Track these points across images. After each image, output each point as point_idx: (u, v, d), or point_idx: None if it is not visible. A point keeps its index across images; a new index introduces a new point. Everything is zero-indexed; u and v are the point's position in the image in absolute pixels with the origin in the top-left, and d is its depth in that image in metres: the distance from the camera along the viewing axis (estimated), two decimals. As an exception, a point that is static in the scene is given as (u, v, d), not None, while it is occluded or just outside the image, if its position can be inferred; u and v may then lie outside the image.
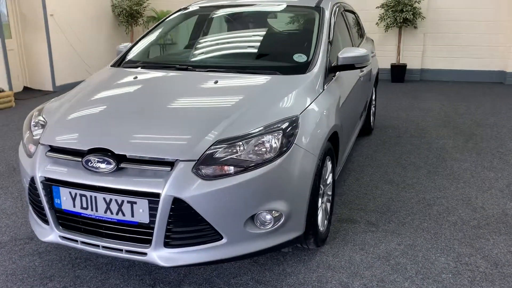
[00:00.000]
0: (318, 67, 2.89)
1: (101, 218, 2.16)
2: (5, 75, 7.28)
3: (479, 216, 3.17)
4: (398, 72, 9.10)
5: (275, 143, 2.20)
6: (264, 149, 2.18)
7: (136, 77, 2.86)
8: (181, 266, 2.13)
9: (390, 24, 8.69)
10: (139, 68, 3.07)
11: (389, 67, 9.19)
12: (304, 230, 2.40)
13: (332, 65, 3.06)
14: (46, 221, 2.33)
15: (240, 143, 2.16)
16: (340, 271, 2.51)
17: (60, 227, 2.31)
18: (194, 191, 2.04)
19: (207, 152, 2.11)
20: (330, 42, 3.17)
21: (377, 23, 8.99)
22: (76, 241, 2.26)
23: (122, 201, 2.09)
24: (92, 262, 2.59)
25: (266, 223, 2.22)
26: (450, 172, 4.02)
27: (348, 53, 3.05)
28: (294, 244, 2.44)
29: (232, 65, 3.00)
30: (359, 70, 3.74)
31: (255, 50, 3.35)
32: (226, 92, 2.60)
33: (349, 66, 3.09)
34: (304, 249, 2.71)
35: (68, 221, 2.28)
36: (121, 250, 2.17)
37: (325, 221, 2.82)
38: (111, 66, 3.24)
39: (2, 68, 7.24)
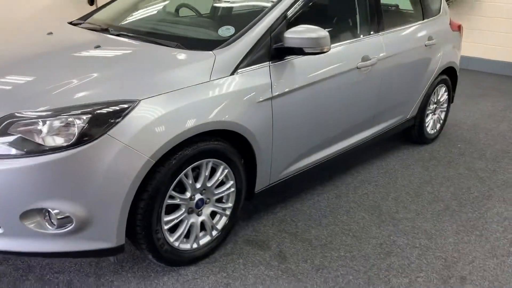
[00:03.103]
0: (238, 46, 2.26)
1: None
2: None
3: (441, 289, 2.20)
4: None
5: (74, 128, 1.77)
6: (60, 135, 1.78)
7: (50, 33, 2.64)
8: (-43, 245, 1.91)
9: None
10: (78, 26, 2.84)
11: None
12: (118, 243, 1.93)
13: (273, 47, 2.37)
14: None
15: (39, 121, 1.79)
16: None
17: None
18: (-39, 167, 1.76)
19: (-8, 126, 1.80)
20: (286, 17, 2.45)
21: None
22: None
23: None
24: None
25: (48, 223, 1.84)
26: (475, 216, 2.90)
27: (295, 33, 2.32)
28: (108, 255, 2.01)
29: (143, 31, 2.56)
30: (359, 59, 2.88)
31: (190, 18, 2.81)
32: (88, 60, 2.20)
33: (298, 50, 2.36)
34: (159, 264, 2.22)
35: None
36: None
37: (207, 237, 2.28)
38: (68, 22, 3.07)
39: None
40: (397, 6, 3.87)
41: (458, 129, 4.64)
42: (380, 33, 3.12)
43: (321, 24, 2.52)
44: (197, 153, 2.05)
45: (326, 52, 2.38)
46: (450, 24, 4.04)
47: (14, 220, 1.81)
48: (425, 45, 3.57)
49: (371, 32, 3.06)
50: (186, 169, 2.05)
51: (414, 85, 3.58)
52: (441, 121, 4.24)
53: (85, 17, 3.04)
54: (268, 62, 2.35)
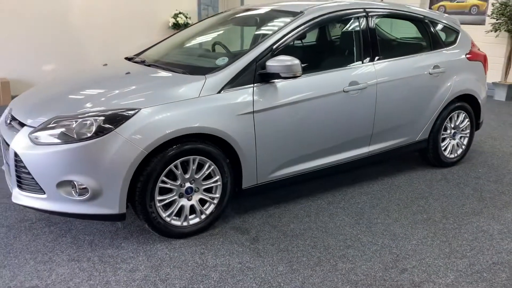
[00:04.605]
0: (225, 72, 2.95)
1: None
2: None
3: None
4: None
5: (92, 126, 2.59)
6: (84, 130, 2.60)
7: (105, 64, 3.59)
8: (20, 205, 2.80)
9: None
10: (130, 61, 3.75)
11: None
12: (120, 211, 2.67)
13: (258, 72, 3.02)
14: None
15: (73, 121, 2.65)
16: (121, 262, 2.67)
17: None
18: (24, 149, 2.66)
19: (44, 123, 2.69)
20: (273, 49, 3.10)
21: None
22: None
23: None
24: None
25: (74, 191, 2.64)
26: (452, 227, 3.16)
27: (274, 61, 2.96)
28: (114, 220, 2.76)
29: (167, 62, 3.37)
30: (347, 84, 3.39)
31: (203, 51, 3.56)
32: (118, 81, 3.05)
33: (276, 75, 3.00)
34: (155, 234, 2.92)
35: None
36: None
37: (196, 219, 2.94)
38: (124, 57, 4.00)
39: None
40: (403, 38, 4.27)
41: (490, 155, 4.74)
42: (373, 62, 3.58)
43: (310, 55, 3.12)
44: (184, 150, 2.75)
45: (299, 76, 2.97)
46: (469, 54, 4.30)
47: (53, 188, 2.65)
48: (430, 73, 3.91)
49: (363, 61, 3.54)
50: (175, 162, 2.75)
51: (419, 109, 3.91)
52: (463, 147, 4.42)
53: (138, 54, 3.97)
54: (252, 84, 3.00)
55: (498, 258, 2.77)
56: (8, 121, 2.96)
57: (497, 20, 7.81)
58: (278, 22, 3.45)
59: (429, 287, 2.47)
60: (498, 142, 5.24)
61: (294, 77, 2.96)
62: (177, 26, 8.16)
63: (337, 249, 2.84)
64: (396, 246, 2.89)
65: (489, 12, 8.12)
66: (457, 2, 8.95)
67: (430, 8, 9.35)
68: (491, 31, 7.92)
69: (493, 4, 7.91)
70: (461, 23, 8.65)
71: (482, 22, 8.50)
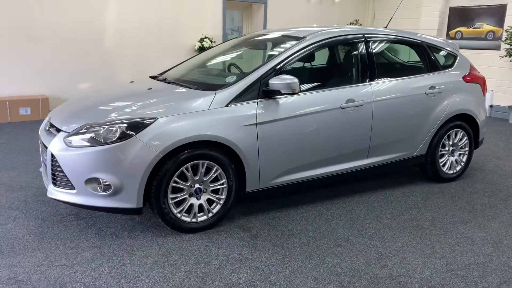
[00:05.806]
0: (233, 88, 3.37)
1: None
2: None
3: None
4: None
5: (116, 132, 3.05)
6: (109, 135, 3.07)
7: (132, 81, 4.09)
8: (55, 199, 3.27)
9: None
10: (154, 79, 4.25)
11: None
12: (138, 205, 3.09)
13: (262, 90, 3.44)
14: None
15: (101, 127, 3.12)
16: (121, 255, 3.07)
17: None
18: (59, 151, 3.14)
19: (76, 129, 3.17)
20: (276, 69, 3.52)
21: None
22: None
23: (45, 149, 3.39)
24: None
25: (99, 187, 3.09)
26: (438, 233, 3.44)
27: (276, 79, 3.38)
28: (132, 213, 3.17)
29: (184, 79, 3.82)
30: (344, 101, 3.76)
31: (218, 71, 4.01)
32: (140, 95, 3.51)
33: (278, 92, 3.41)
34: (167, 228, 3.32)
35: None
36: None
37: (204, 217, 3.33)
38: (149, 76, 4.50)
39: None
40: (403, 61, 4.63)
41: (491, 173, 4.97)
42: (370, 82, 3.94)
43: (311, 75, 3.51)
44: (194, 155, 3.17)
45: (297, 93, 3.37)
46: (467, 76, 4.61)
47: (82, 184, 3.10)
48: (426, 93, 4.24)
49: (360, 82, 3.91)
50: (186, 165, 3.17)
51: (416, 126, 4.23)
52: (462, 163, 4.68)
53: (162, 73, 4.46)
54: (256, 99, 3.41)
55: (475, 260, 3.04)
56: (47, 128, 3.47)
57: (510, 45, 8.04)
58: (284, 45, 3.87)
59: (404, 280, 2.77)
60: (501, 162, 5.45)
61: (293, 93, 3.36)
62: (202, 50, 8.72)
63: (328, 247, 3.17)
64: (382, 246, 3.20)
65: (503, 38, 8.36)
66: (473, 28, 9.21)
67: (447, 33, 9.64)
68: (505, 56, 8.14)
69: (506, 31, 8.16)
70: (478, 49, 8.97)
71: (497, 48, 8.72)
